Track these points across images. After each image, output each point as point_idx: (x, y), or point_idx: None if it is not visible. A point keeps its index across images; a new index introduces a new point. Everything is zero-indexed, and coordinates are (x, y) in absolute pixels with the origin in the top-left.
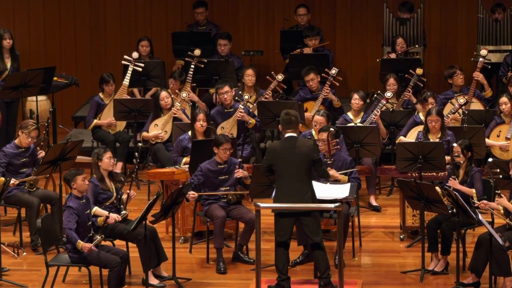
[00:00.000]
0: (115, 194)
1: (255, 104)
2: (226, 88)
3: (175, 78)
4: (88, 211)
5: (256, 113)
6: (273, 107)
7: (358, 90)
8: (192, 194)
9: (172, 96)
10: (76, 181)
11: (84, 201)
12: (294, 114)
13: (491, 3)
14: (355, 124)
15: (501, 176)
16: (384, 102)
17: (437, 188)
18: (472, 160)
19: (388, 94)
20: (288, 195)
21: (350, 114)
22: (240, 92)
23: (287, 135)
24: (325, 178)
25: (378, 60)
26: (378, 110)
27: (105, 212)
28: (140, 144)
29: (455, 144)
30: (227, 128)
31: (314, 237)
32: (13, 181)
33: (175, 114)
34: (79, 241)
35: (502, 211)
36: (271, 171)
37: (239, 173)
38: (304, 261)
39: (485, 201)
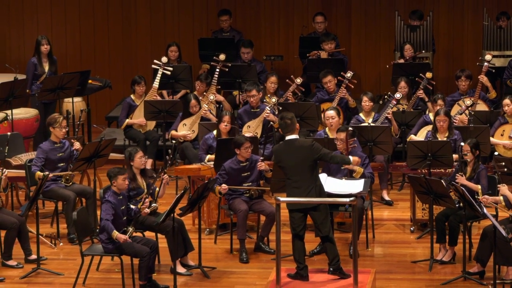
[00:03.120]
0: (146, 189)
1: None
2: (254, 92)
3: (201, 81)
4: (124, 207)
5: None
6: (292, 108)
7: (366, 92)
8: (223, 186)
9: (199, 98)
10: (117, 180)
11: (121, 197)
12: (288, 117)
13: (496, 11)
14: (368, 124)
15: (505, 169)
16: (395, 103)
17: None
18: (480, 158)
19: (398, 95)
20: (294, 192)
21: (362, 115)
22: (268, 95)
23: (287, 138)
24: (344, 163)
25: (387, 66)
26: (390, 111)
27: None
28: (173, 141)
29: (462, 143)
30: (253, 127)
31: (322, 229)
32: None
33: (204, 114)
34: (114, 231)
35: (503, 203)
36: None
37: (262, 166)
38: (321, 251)
39: (486, 196)
